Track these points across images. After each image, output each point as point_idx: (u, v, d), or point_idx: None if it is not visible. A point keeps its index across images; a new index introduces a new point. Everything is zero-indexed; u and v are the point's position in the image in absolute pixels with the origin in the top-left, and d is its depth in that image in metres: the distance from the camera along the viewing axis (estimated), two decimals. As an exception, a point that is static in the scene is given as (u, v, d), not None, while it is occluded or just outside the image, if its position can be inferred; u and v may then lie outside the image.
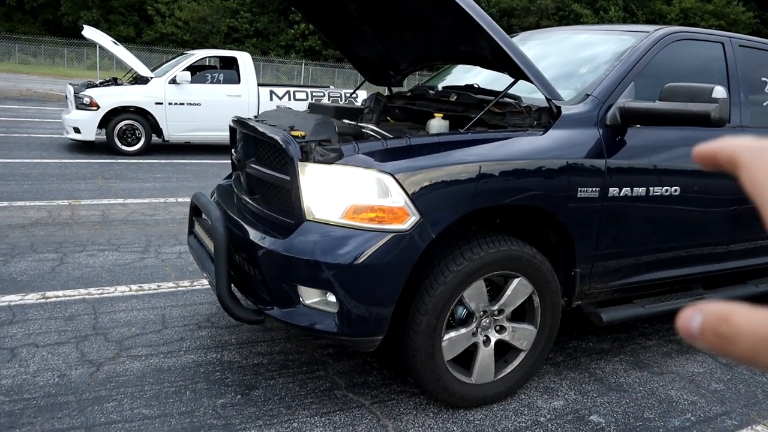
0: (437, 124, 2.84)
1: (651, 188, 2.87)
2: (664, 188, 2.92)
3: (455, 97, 3.12)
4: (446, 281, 2.41)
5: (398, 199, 2.30)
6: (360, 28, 3.46)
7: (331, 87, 12.15)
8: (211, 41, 35.06)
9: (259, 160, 2.77)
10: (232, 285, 2.59)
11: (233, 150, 3.36)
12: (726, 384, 3.12)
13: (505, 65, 2.77)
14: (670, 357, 3.38)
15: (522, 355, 2.75)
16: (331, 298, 2.37)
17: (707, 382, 3.11)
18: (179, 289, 3.74)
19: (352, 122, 3.02)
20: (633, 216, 2.86)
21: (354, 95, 11.12)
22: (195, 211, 3.14)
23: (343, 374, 2.87)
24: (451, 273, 2.41)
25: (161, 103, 8.68)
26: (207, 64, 9.98)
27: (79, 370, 2.70)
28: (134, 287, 3.69)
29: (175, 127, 8.83)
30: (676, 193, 2.97)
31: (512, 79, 2.84)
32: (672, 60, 3.08)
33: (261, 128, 2.66)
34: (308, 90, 10.09)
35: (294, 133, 2.51)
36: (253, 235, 2.55)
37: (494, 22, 2.48)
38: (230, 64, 9.55)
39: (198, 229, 3.03)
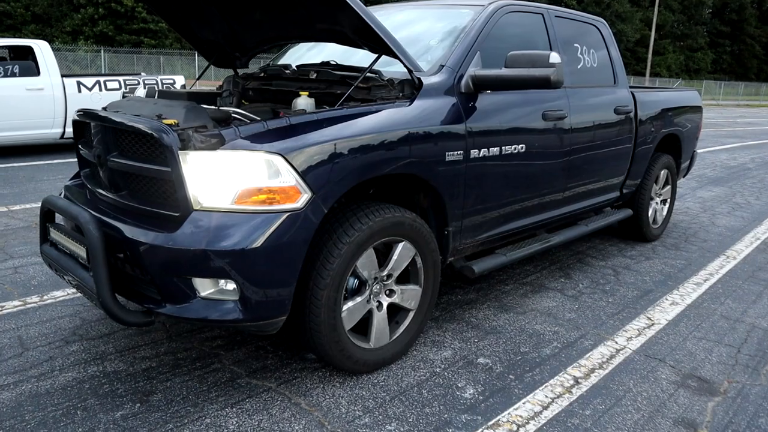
0: (304, 102, 2.85)
1: (503, 147, 3.18)
2: (513, 146, 3.25)
3: (315, 75, 3.15)
4: (341, 253, 2.48)
5: (289, 178, 2.31)
6: (204, 9, 3.32)
7: (143, 74, 11.37)
8: (-21, 30, 30.60)
9: (124, 154, 2.58)
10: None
11: (81, 146, 3.08)
12: (576, 312, 3.58)
13: (366, 41, 2.85)
14: (527, 297, 3.80)
15: (411, 315, 2.92)
16: (230, 286, 2.32)
17: (562, 314, 3.55)
18: (28, 306, 3.35)
19: (213, 107, 2.92)
20: (491, 174, 3.15)
21: (171, 81, 10.58)
22: (48, 216, 2.84)
23: (239, 363, 2.82)
24: (344, 245, 2.49)
25: (-56, 103, 7.52)
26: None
27: (-66, 413, 2.35)
28: (-29, 312, 3.25)
29: (-35, 130, 7.71)
30: (523, 150, 3.32)
31: (370, 54, 2.95)
32: (506, 30, 3.39)
33: (124, 119, 2.48)
34: (120, 79, 9.35)
35: (166, 121, 2.38)
36: (132, 232, 2.39)
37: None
38: (24, 54, 8.50)
39: (55, 235, 2.75)
